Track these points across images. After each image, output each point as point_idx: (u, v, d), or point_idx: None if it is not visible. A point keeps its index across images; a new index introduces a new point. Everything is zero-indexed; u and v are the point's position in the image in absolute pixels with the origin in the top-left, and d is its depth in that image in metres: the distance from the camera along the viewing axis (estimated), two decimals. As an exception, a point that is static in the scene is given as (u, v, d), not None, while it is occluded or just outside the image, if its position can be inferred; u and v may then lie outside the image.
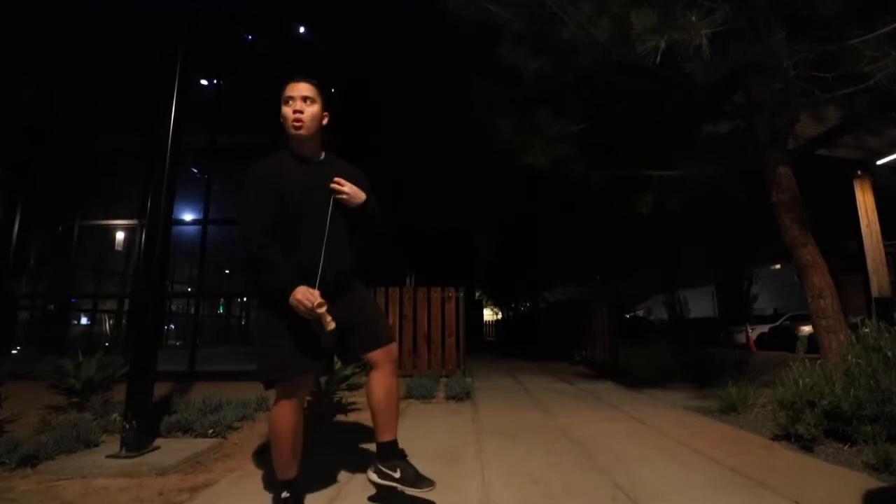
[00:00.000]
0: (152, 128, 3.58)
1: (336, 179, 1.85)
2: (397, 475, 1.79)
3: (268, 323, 1.78)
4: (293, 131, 1.82)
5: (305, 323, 1.72)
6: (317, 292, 1.69)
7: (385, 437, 1.86)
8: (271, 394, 1.79)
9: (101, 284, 10.45)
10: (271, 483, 2.19)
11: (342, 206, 1.90)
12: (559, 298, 15.48)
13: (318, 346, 1.78)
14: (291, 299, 1.66)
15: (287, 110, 1.82)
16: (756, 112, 4.03)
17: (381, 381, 1.88)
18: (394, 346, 1.95)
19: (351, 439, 2.93)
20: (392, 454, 1.85)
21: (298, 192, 1.81)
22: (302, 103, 1.82)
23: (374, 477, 1.83)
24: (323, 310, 1.66)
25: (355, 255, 1.93)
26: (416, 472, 1.82)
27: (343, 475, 2.06)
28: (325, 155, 1.95)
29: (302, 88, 1.82)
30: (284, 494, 1.79)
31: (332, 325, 1.68)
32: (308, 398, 3.28)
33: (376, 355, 1.90)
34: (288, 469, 1.79)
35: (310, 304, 1.65)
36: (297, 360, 1.75)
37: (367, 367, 1.94)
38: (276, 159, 1.88)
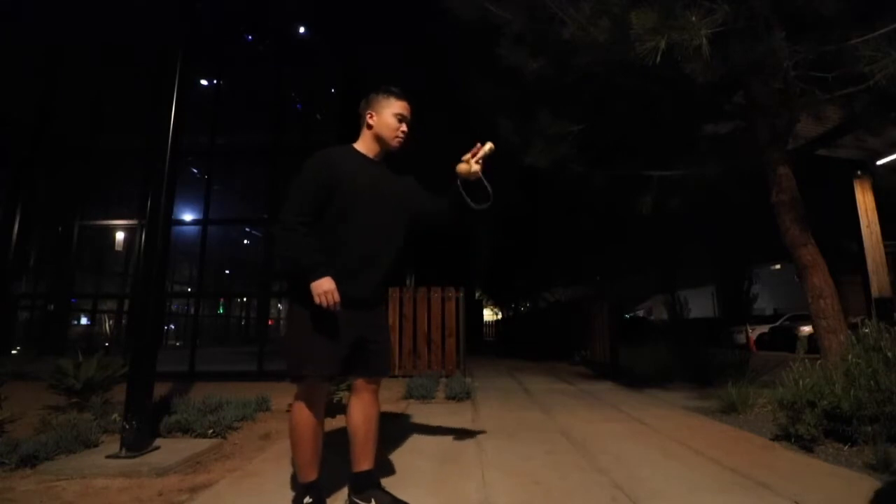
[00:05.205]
0: (152, 128, 3.58)
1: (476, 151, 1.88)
2: None
3: (301, 318, 1.76)
4: (394, 143, 1.92)
5: (336, 324, 1.72)
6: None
7: (360, 467, 1.85)
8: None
9: (101, 284, 10.46)
10: (271, 483, 2.20)
11: (405, 208, 1.93)
12: (559, 298, 15.45)
13: (346, 349, 1.78)
14: (316, 286, 1.64)
15: (394, 123, 1.90)
16: (756, 112, 4.02)
17: (362, 408, 1.87)
18: (382, 379, 1.96)
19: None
20: (367, 484, 1.84)
21: (363, 188, 1.82)
22: (407, 124, 1.94)
23: None
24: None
25: (399, 263, 1.92)
26: (392, 499, 1.81)
27: (342, 477, 2.06)
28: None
29: (410, 110, 1.94)
30: (307, 500, 1.77)
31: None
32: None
33: (366, 383, 1.89)
34: (309, 471, 1.78)
35: (332, 301, 1.64)
36: (329, 360, 1.75)
37: (349, 389, 1.93)
38: (343, 152, 1.89)
